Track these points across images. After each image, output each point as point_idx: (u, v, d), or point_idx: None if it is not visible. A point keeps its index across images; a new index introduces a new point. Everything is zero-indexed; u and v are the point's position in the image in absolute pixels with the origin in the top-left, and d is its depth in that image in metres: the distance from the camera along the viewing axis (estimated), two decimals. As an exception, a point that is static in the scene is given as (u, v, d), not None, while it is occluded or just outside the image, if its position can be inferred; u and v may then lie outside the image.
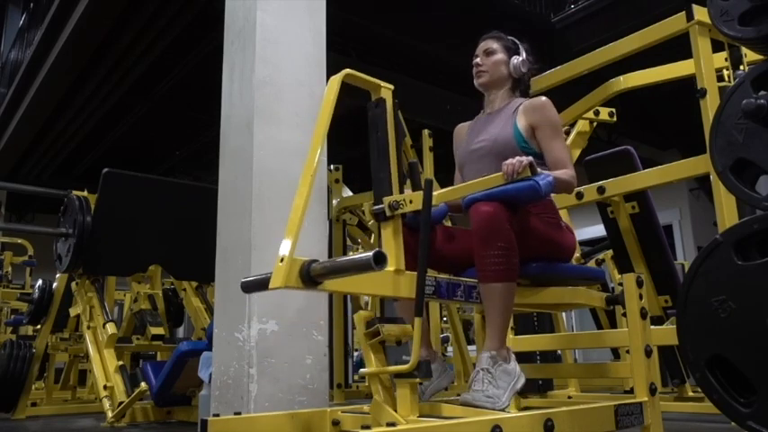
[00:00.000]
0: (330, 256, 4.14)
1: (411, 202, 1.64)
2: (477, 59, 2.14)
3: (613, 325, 4.04)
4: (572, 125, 3.43)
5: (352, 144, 4.09)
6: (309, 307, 2.35)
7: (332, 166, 4.48)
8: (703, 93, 2.50)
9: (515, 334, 2.53)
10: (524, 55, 2.13)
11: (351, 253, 5.44)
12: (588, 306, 2.41)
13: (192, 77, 6.08)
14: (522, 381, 1.74)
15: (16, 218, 10.02)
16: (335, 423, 1.77)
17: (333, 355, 4.15)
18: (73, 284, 4.21)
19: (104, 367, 3.63)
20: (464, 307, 5.50)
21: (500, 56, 2.12)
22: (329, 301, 3.69)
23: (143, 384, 3.32)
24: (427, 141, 4.05)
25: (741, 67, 2.39)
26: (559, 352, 3.69)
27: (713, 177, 2.32)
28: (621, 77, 3.09)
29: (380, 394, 1.63)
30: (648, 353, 1.82)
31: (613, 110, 3.41)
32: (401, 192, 1.69)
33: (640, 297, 1.86)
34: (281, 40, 2.54)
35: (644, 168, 2.97)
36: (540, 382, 3.52)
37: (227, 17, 2.72)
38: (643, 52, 2.84)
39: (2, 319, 6.81)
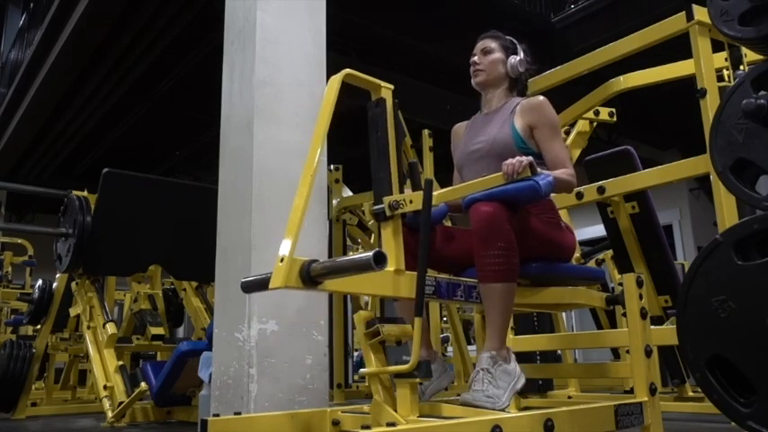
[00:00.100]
0: (330, 256, 4.13)
1: (411, 202, 1.64)
2: (475, 58, 2.14)
3: (613, 325, 4.04)
4: (572, 125, 3.43)
5: (352, 144, 4.08)
6: (309, 307, 2.35)
7: (332, 166, 4.48)
8: (703, 93, 2.50)
9: (515, 334, 2.53)
10: (522, 54, 2.13)
11: (351, 253, 5.45)
12: (588, 306, 2.41)
13: (192, 77, 6.08)
14: (522, 381, 1.74)
15: (16, 218, 10.02)
16: (335, 423, 1.77)
17: (333, 355, 4.15)
18: (73, 284, 4.21)
19: (104, 367, 3.63)
20: (464, 307, 5.50)
21: (498, 55, 2.12)
22: (329, 301, 3.69)
23: (143, 384, 3.32)
24: (427, 141, 4.05)
25: (741, 67, 2.39)
26: (559, 352, 3.69)
27: (713, 177, 2.32)
28: (621, 77, 3.09)
29: (380, 394, 1.64)
30: (648, 353, 1.82)
31: (613, 110, 3.41)
32: (401, 192, 1.69)
33: (640, 297, 1.86)
34: (281, 40, 2.54)
35: (644, 168, 2.97)
36: (540, 382, 3.52)
37: (227, 17, 2.72)
38: (643, 52, 2.84)
39: (2, 319, 6.81)
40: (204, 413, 2.59)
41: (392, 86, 1.73)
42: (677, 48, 2.78)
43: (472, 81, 2.15)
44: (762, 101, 1.50)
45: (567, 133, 3.42)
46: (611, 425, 1.66)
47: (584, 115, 3.32)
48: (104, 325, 3.77)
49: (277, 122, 2.45)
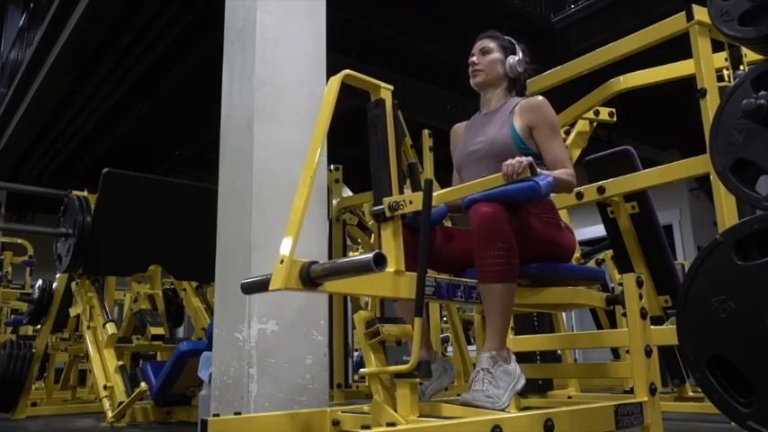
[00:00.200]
0: (330, 256, 4.14)
1: (411, 202, 1.64)
2: (474, 58, 2.14)
3: (613, 325, 4.04)
4: (572, 125, 3.43)
5: (352, 144, 4.08)
6: (309, 307, 2.35)
7: (332, 166, 4.48)
8: (703, 93, 2.50)
9: (515, 334, 2.53)
10: (521, 54, 2.13)
11: (351, 253, 5.45)
12: (588, 306, 2.41)
13: (192, 77, 6.08)
14: (522, 381, 1.74)
15: (16, 218, 10.02)
16: (335, 423, 1.77)
17: (333, 355, 4.15)
18: (73, 284, 4.21)
19: (104, 367, 3.63)
20: (464, 307, 5.50)
21: (496, 55, 2.11)
22: (329, 301, 3.68)
23: (143, 384, 3.32)
24: (427, 141, 4.05)
25: (741, 67, 2.39)
26: (559, 352, 3.69)
27: (713, 177, 2.32)
28: (621, 77, 3.09)
29: (380, 394, 1.64)
30: (648, 353, 1.82)
31: (613, 110, 3.41)
32: (401, 192, 1.69)
33: (640, 297, 1.86)
34: (281, 40, 2.54)
35: (644, 168, 2.97)
36: (540, 382, 3.51)
37: (227, 17, 2.72)
38: (643, 52, 2.84)
39: (2, 319, 6.81)
40: (204, 413, 2.59)
41: (392, 87, 1.73)
42: (677, 48, 2.78)
43: (471, 81, 2.15)
44: (762, 101, 1.50)
45: (567, 133, 3.42)
46: (611, 425, 1.66)
47: (584, 115, 3.32)
48: (104, 325, 3.77)
49: (277, 122, 2.45)
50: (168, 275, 4.50)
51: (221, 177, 2.55)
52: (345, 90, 1.66)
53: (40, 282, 4.66)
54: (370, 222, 4.56)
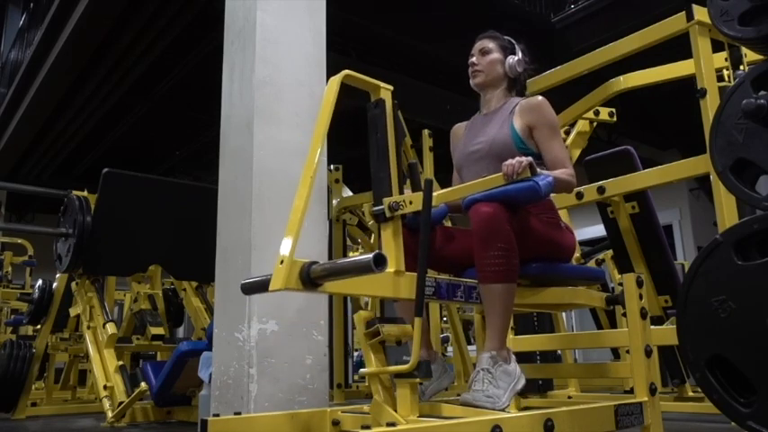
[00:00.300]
0: (330, 256, 4.14)
1: (411, 203, 1.64)
2: (473, 59, 2.14)
3: (613, 325, 4.04)
4: (572, 125, 3.43)
5: (352, 144, 4.08)
6: (309, 307, 2.35)
7: (332, 166, 4.48)
8: (703, 93, 2.50)
9: (515, 334, 2.53)
10: (520, 54, 2.13)
11: (351, 253, 5.45)
12: (588, 306, 2.41)
13: (192, 77, 6.08)
14: (522, 382, 1.74)
15: (16, 218, 10.02)
16: (335, 423, 1.77)
17: (333, 355, 4.15)
18: (73, 284, 4.21)
19: (104, 367, 3.63)
20: (464, 307, 5.50)
21: (496, 55, 2.11)
22: (329, 301, 3.69)
23: (143, 384, 3.32)
24: (427, 141, 4.05)
25: (741, 67, 2.39)
26: (559, 352, 3.69)
27: (713, 177, 2.32)
28: (621, 77, 3.09)
29: (380, 394, 1.64)
30: (648, 353, 1.82)
31: (613, 110, 3.41)
32: (401, 192, 1.69)
33: (640, 297, 1.86)
34: (281, 40, 2.54)
35: (644, 168, 2.97)
36: (540, 382, 3.51)
37: (227, 17, 2.72)
38: (643, 52, 2.84)
39: (2, 319, 6.81)
40: (204, 413, 2.59)
41: (391, 87, 1.73)
42: (677, 48, 2.78)
43: (471, 82, 2.15)
44: (762, 101, 1.50)
45: (567, 133, 3.42)
46: (611, 425, 1.66)
47: (584, 115, 3.32)
48: (104, 325, 3.77)
49: (277, 122, 2.45)
50: (168, 275, 4.50)
51: (221, 177, 2.55)
52: (345, 90, 1.66)
53: (40, 282, 4.66)
54: (370, 222, 4.56)
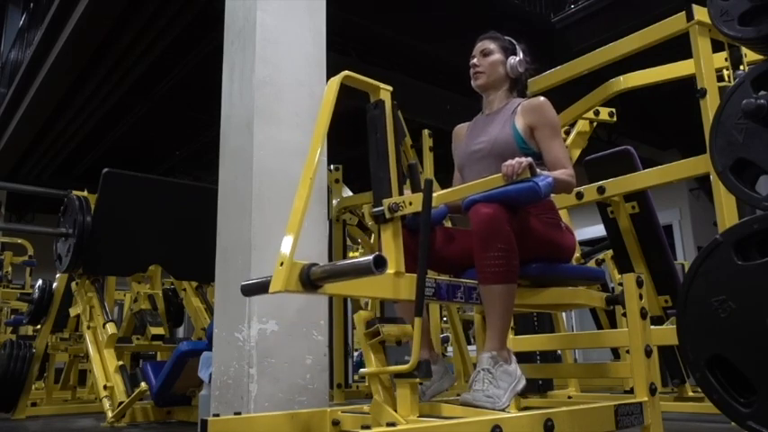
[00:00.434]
0: (330, 256, 4.14)
1: (411, 203, 1.64)
2: (474, 60, 2.13)
3: (613, 325, 4.04)
4: (572, 125, 3.43)
5: (352, 144, 4.08)
6: (309, 307, 2.35)
7: (332, 166, 4.48)
8: (703, 93, 2.50)
9: (515, 334, 2.53)
10: (521, 55, 2.13)
11: (351, 253, 5.45)
12: (588, 306, 2.41)
13: (192, 77, 6.08)
14: (522, 383, 1.74)
15: (16, 218, 10.02)
16: (335, 423, 1.77)
17: (333, 355, 4.15)
18: (73, 284, 4.21)
19: (104, 367, 3.63)
20: (464, 307, 5.50)
21: (497, 56, 2.11)
22: (329, 301, 3.69)
23: (143, 384, 3.32)
24: (427, 141, 4.05)
25: (741, 67, 2.39)
26: (559, 352, 3.69)
27: (713, 177, 2.32)
28: (621, 77, 3.09)
29: (380, 394, 1.64)
30: (648, 353, 1.82)
31: (613, 110, 3.41)
32: (401, 193, 1.69)
33: (640, 297, 1.86)
34: (281, 40, 2.54)
35: (644, 168, 2.97)
36: (540, 382, 3.51)
37: (227, 17, 2.72)
38: (643, 52, 2.83)
39: (2, 319, 6.81)
40: (204, 413, 2.59)
41: (391, 88, 1.73)
42: (677, 48, 2.77)
43: (472, 83, 2.15)
44: (762, 101, 1.50)
45: (567, 133, 3.42)
46: (611, 425, 1.66)
47: (584, 115, 3.32)
48: (104, 325, 3.77)
49: (277, 122, 2.45)
50: (168, 275, 4.50)
51: (221, 177, 2.55)
52: (345, 90, 1.66)
53: (40, 282, 4.66)
54: (371, 223, 4.56)
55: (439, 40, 5.45)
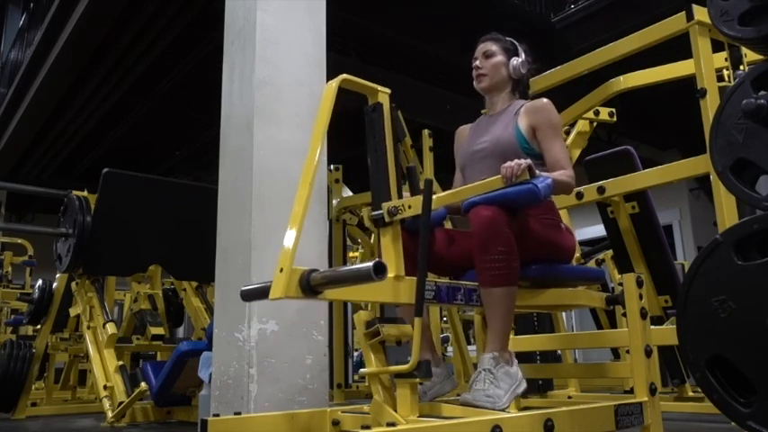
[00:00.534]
0: (330, 256, 4.14)
1: (410, 207, 1.63)
2: (477, 62, 2.13)
3: (613, 325, 4.04)
4: (572, 125, 3.43)
5: (352, 144, 4.09)
6: (309, 307, 2.35)
7: (332, 166, 4.48)
8: (703, 93, 2.50)
9: (515, 334, 2.53)
10: (523, 56, 2.13)
11: (351, 253, 5.45)
12: (588, 306, 2.41)
13: (192, 77, 6.08)
14: (523, 386, 1.73)
15: (16, 218, 10.02)
16: (335, 423, 1.77)
17: (333, 355, 4.15)
18: (73, 284, 4.21)
19: (104, 367, 3.63)
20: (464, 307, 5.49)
21: (499, 58, 2.11)
22: (329, 302, 3.69)
23: (143, 384, 3.32)
24: (427, 141, 4.05)
25: (741, 67, 2.39)
26: (559, 352, 3.69)
27: (713, 177, 2.32)
28: (621, 77, 3.09)
29: (380, 394, 1.64)
30: (648, 353, 1.82)
31: (613, 110, 3.41)
32: (400, 195, 1.68)
33: (640, 297, 1.86)
34: (281, 40, 2.54)
35: (644, 168, 2.97)
36: (540, 382, 3.51)
37: (227, 17, 2.72)
38: (643, 52, 2.83)
39: (2, 319, 6.81)
40: (204, 413, 2.59)
41: (389, 90, 1.72)
42: (677, 48, 2.77)
43: (475, 86, 2.15)
44: (762, 101, 1.49)
45: (567, 133, 3.42)
46: (611, 425, 1.66)
47: (584, 115, 3.31)
48: (104, 325, 3.77)
49: (277, 122, 2.45)
50: (168, 275, 4.50)
51: (221, 177, 2.55)
52: (345, 90, 1.66)
53: (40, 282, 4.66)
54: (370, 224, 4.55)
55: (439, 40, 5.45)
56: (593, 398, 3.26)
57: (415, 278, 1.60)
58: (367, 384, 4.10)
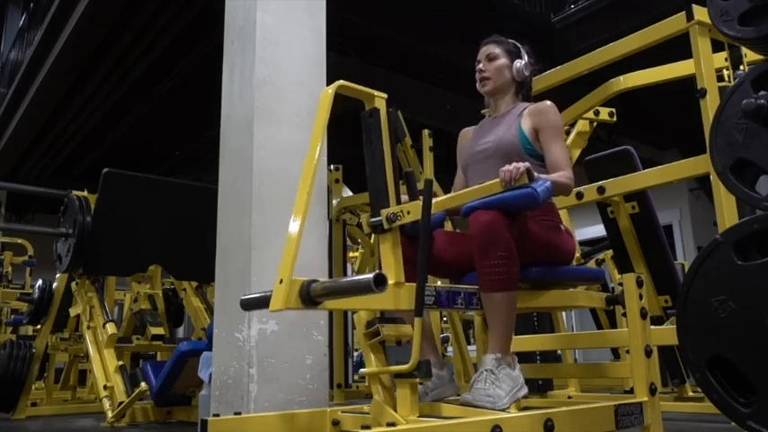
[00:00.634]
0: (330, 256, 4.14)
1: (409, 213, 1.63)
2: (480, 65, 2.13)
3: (613, 325, 4.04)
4: (572, 125, 3.43)
5: (352, 144, 4.09)
6: (309, 307, 2.34)
7: (332, 166, 4.48)
8: (703, 93, 2.50)
9: (515, 334, 2.53)
10: (526, 58, 2.13)
11: (351, 253, 5.45)
12: (588, 307, 2.41)
13: (192, 77, 6.08)
14: (524, 391, 1.73)
15: (16, 218, 10.02)
16: (335, 423, 1.77)
17: (333, 355, 4.15)
18: (73, 284, 4.21)
19: (104, 367, 3.63)
20: (464, 307, 5.49)
21: (503, 60, 2.11)
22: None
23: (143, 384, 3.32)
24: (427, 141, 4.05)
25: (741, 67, 2.39)
26: (559, 352, 3.69)
27: (713, 177, 2.32)
28: (621, 77, 3.09)
29: (380, 394, 1.64)
30: (648, 353, 1.82)
31: (613, 110, 3.41)
32: (398, 197, 1.68)
33: (640, 297, 1.85)
34: (281, 40, 2.54)
35: (644, 168, 2.97)
36: (540, 382, 3.51)
37: (227, 17, 2.72)
38: (643, 52, 2.83)
39: (2, 319, 6.81)
40: (204, 413, 2.59)
41: (385, 95, 1.71)
42: (677, 48, 2.77)
43: (479, 88, 2.15)
44: (762, 101, 1.49)
45: (567, 133, 3.41)
46: (611, 425, 1.66)
47: (584, 115, 3.31)
48: (104, 325, 3.77)
49: (277, 122, 2.45)
50: (168, 275, 4.50)
51: (221, 177, 2.55)
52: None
53: (40, 282, 4.66)
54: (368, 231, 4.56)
55: (439, 40, 5.45)
56: (593, 398, 3.26)
57: (414, 284, 1.60)
58: (367, 384, 4.10)
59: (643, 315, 1.84)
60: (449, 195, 1.80)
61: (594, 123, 3.44)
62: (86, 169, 8.42)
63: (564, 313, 3.92)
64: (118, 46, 5.70)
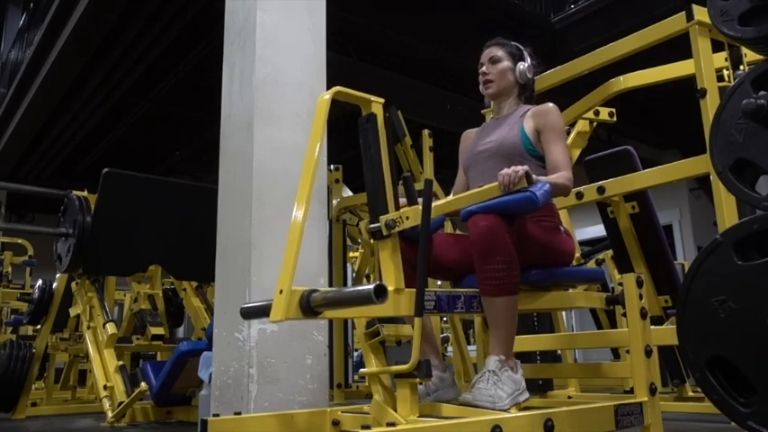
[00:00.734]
0: (330, 256, 4.13)
1: (408, 218, 1.62)
2: (483, 68, 2.13)
3: (613, 325, 4.04)
4: (572, 125, 3.42)
5: (352, 144, 4.09)
6: (309, 307, 2.34)
7: (332, 166, 4.47)
8: (703, 93, 2.50)
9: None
10: (529, 60, 2.13)
11: (351, 253, 5.44)
12: (588, 307, 2.41)
13: (192, 77, 6.08)
14: (525, 395, 1.73)
15: (16, 218, 10.02)
16: (335, 423, 1.77)
17: (333, 355, 4.15)
18: (73, 284, 4.21)
19: (104, 367, 3.63)
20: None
21: (506, 63, 2.11)
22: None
23: (143, 384, 3.31)
24: (427, 141, 4.05)
25: (741, 67, 2.39)
26: (559, 352, 3.69)
27: (713, 177, 2.32)
28: (621, 77, 3.08)
29: (380, 394, 1.64)
30: (648, 353, 1.82)
31: (613, 110, 3.41)
32: (397, 202, 1.67)
33: (640, 297, 1.85)
34: (281, 40, 2.54)
35: (644, 168, 2.97)
36: (540, 382, 3.51)
37: (227, 17, 2.72)
38: (643, 52, 2.83)
39: (2, 319, 6.81)
40: (204, 413, 2.59)
41: (382, 100, 1.71)
42: (677, 48, 2.77)
43: (482, 91, 2.14)
44: (762, 101, 1.49)
45: (568, 133, 3.41)
46: (611, 425, 1.66)
47: (584, 115, 3.31)
48: (104, 325, 3.77)
49: (277, 122, 2.45)
50: (168, 275, 4.50)
51: (221, 177, 2.55)
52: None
53: (40, 282, 4.66)
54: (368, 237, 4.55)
55: (439, 40, 5.45)
56: (593, 398, 3.26)
57: (414, 290, 1.59)
58: (367, 384, 4.10)
59: (643, 315, 1.84)
60: (447, 199, 1.80)
61: (594, 123, 3.44)
62: (86, 169, 8.42)
63: (564, 313, 3.92)
64: (118, 46, 5.70)
